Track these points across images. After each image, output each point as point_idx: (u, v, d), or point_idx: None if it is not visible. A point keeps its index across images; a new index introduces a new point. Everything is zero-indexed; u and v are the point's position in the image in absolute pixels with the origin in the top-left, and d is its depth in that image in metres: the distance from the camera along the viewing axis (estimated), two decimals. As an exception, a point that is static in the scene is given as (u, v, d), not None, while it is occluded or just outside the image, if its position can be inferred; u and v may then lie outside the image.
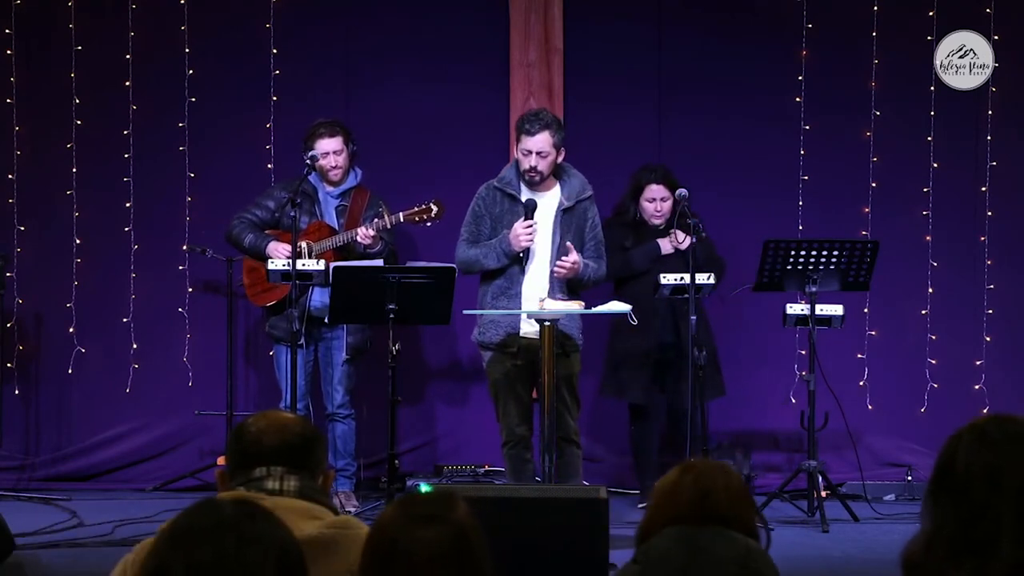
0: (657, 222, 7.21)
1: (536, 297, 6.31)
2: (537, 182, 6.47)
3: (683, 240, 6.94)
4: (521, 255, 6.36)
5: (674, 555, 3.11)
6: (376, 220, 6.93)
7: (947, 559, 2.21)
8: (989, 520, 2.21)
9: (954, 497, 2.24)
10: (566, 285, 6.43)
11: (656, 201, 7.18)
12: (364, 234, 6.88)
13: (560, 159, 6.50)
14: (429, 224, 6.96)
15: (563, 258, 6.35)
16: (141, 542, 2.67)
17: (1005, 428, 2.29)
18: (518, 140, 6.48)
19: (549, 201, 6.50)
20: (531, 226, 6.34)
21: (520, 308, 6.32)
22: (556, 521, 4.74)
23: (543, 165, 6.42)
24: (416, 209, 6.93)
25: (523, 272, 6.39)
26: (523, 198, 6.45)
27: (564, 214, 6.47)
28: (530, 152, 6.41)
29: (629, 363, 7.24)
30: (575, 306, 6.29)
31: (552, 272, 6.38)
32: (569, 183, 6.52)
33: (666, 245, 7.12)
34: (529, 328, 6.33)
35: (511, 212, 6.45)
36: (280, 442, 2.71)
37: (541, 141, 6.41)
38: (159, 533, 2.05)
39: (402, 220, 6.94)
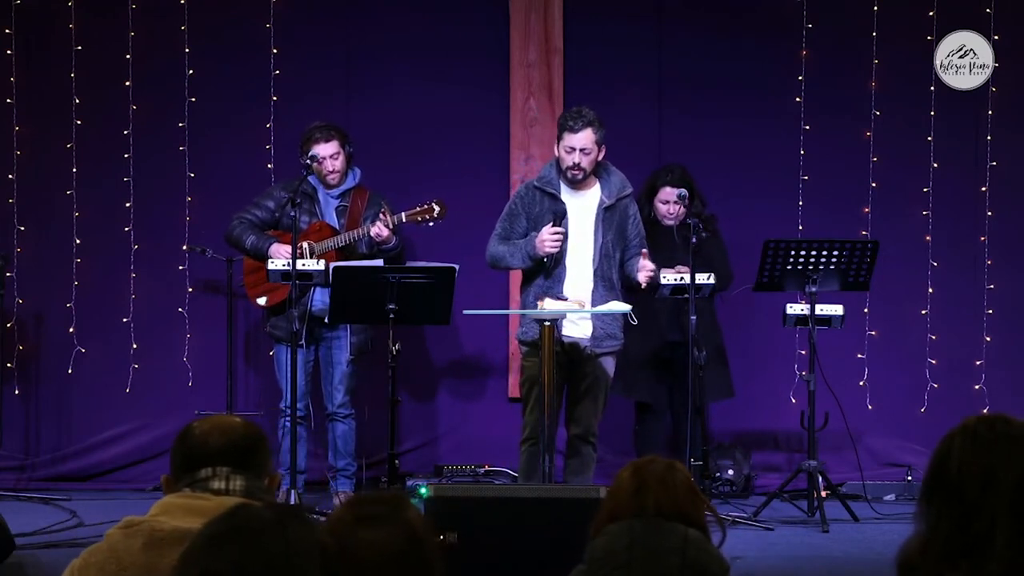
0: (669, 223, 7.20)
1: (578, 297, 6.32)
2: (579, 179, 6.46)
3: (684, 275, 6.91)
4: (545, 260, 6.35)
5: (616, 551, 3.13)
6: (382, 216, 6.91)
7: (942, 560, 2.21)
8: (983, 521, 2.21)
9: (948, 498, 2.24)
10: (613, 288, 6.42)
11: (669, 204, 7.18)
12: (378, 231, 6.87)
13: (601, 156, 6.50)
14: (431, 224, 6.96)
15: (643, 263, 6.35)
16: (88, 548, 2.67)
17: (997, 428, 2.29)
18: (560, 138, 6.45)
19: (590, 200, 6.49)
20: (557, 233, 6.33)
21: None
22: (556, 521, 4.74)
23: (586, 162, 6.41)
24: (418, 209, 6.93)
25: (552, 274, 6.38)
26: (563, 196, 6.44)
27: (606, 212, 6.46)
28: (573, 149, 6.40)
29: (637, 362, 7.24)
30: (575, 306, 6.28)
31: (597, 276, 6.37)
32: (609, 181, 6.51)
33: (665, 277, 6.97)
34: (573, 328, 6.32)
35: (551, 211, 6.43)
36: (225, 443, 2.70)
37: (584, 138, 6.39)
38: (192, 538, 2.01)
39: (404, 220, 6.94)
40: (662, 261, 7.03)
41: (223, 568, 1.93)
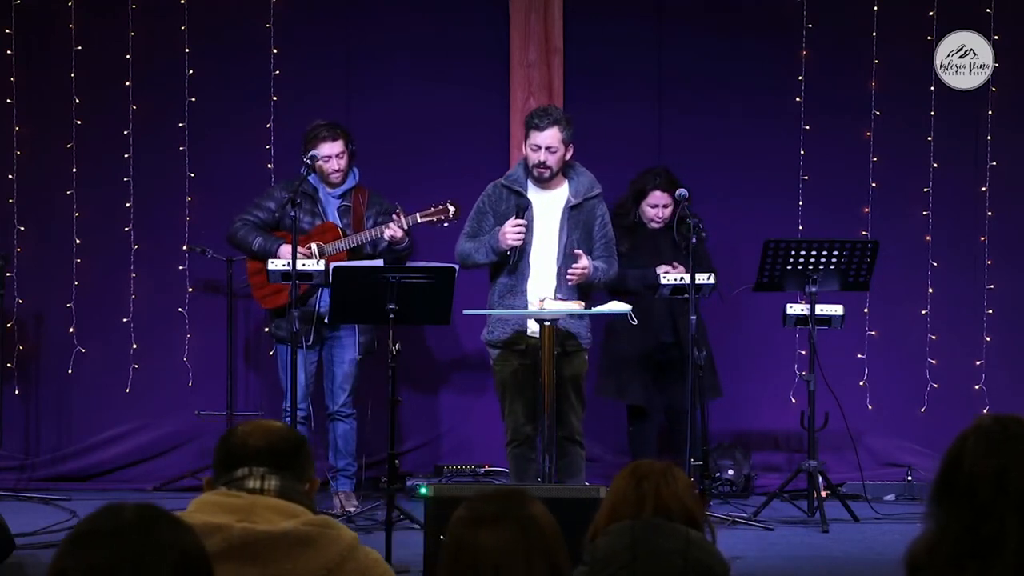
0: (656, 226, 7.22)
1: (548, 295, 6.31)
2: (546, 178, 6.47)
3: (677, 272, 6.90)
4: (509, 253, 6.37)
5: (619, 551, 3.13)
6: (397, 217, 6.92)
7: (950, 562, 2.18)
8: (994, 523, 2.16)
9: (959, 499, 2.20)
10: (576, 286, 6.42)
11: (659, 208, 7.19)
12: (393, 233, 6.87)
13: (569, 155, 6.51)
14: (446, 225, 6.96)
15: (573, 266, 6.35)
16: None
17: (1010, 429, 2.24)
18: (527, 136, 6.48)
19: (557, 199, 6.50)
20: (520, 225, 6.34)
21: (526, 307, 6.32)
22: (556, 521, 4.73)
23: (552, 160, 6.43)
24: (433, 210, 6.93)
25: (516, 269, 6.39)
26: (530, 195, 6.46)
27: (572, 211, 6.47)
28: (539, 147, 6.42)
29: (628, 363, 7.23)
30: (575, 306, 6.28)
31: (561, 274, 6.38)
32: (577, 180, 6.53)
33: (665, 277, 6.97)
34: (537, 327, 6.32)
35: (516, 207, 6.45)
36: (265, 444, 2.72)
37: (550, 136, 6.41)
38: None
39: (419, 221, 6.94)
40: (649, 263, 7.04)
41: (75, 568, 1.91)
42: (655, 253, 7.13)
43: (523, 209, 6.38)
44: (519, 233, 6.34)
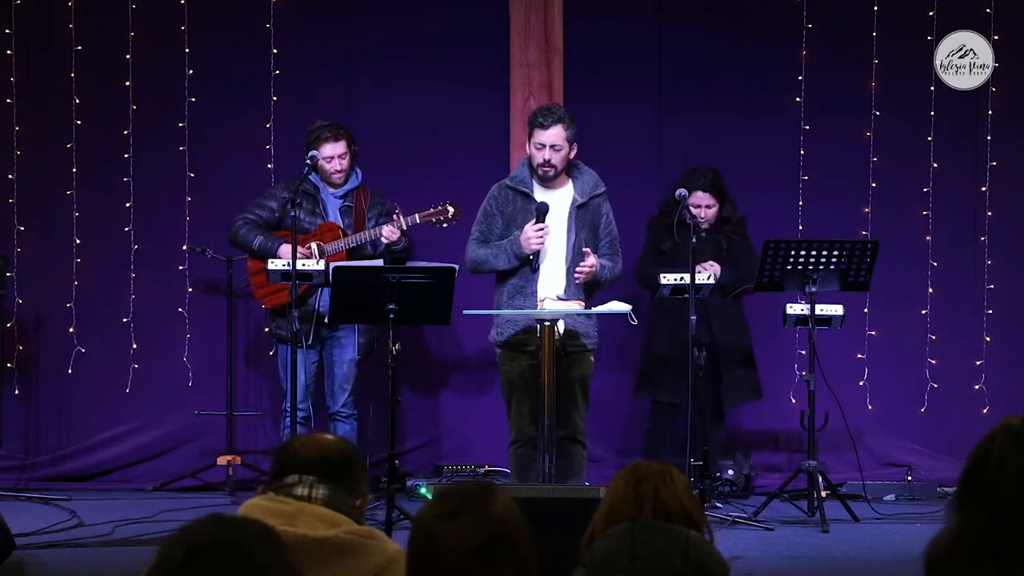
0: (701, 226, 7.20)
1: (551, 295, 6.31)
2: (551, 177, 6.46)
3: (712, 271, 6.92)
4: (531, 257, 6.36)
5: (619, 552, 3.13)
6: (396, 218, 6.92)
7: (969, 563, 2.15)
8: (1016, 525, 2.13)
9: (982, 499, 2.17)
10: (583, 285, 6.43)
11: (701, 208, 7.18)
12: (390, 233, 6.88)
13: (573, 154, 6.50)
14: (445, 225, 6.96)
15: (581, 265, 6.35)
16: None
17: None
18: (531, 135, 6.47)
19: (562, 198, 6.50)
20: (542, 229, 6.34)
21: (536, 307, 6.32)
22: (556, 521, 4.74)
23: (557, 159, 6.42)
24: (432, 210, 6.94)
25: (537, 271, 6.39)
26: (536, 195, 6.45)
27: (578, 211, 6.46)
28: (544, 146, 6.41)
29: (663, 363, 7.25)
30: (575, 306, 6.28)
31: (571, 274, 6.38)
32: (582, 179, 6.53)
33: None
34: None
35: (524, 210, 6.44)
36: (318, 455, 2.77)
37: (554, 135, 6.41)
38: (167, 545, 1.98)
39: (418, 221, 6.95)
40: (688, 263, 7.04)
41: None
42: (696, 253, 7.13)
43: (543, 213, 6.37)
44: (541, 237, 6.34)
